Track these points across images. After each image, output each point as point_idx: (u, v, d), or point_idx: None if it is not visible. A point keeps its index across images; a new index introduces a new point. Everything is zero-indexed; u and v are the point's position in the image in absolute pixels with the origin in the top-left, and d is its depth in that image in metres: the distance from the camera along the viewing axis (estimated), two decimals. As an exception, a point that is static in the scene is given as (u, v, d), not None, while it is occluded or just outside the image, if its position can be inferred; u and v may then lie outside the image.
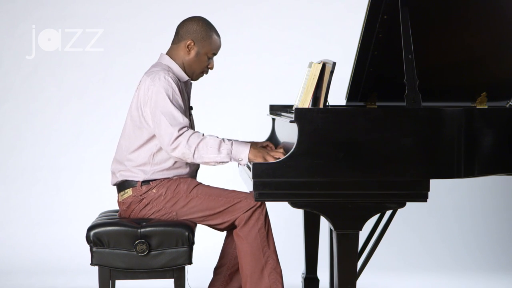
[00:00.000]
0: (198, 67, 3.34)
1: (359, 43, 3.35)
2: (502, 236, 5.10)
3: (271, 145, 3.37)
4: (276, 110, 3.85)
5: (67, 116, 5.21)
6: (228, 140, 3.14)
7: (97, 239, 3.11)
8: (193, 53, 3.31)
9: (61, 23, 5.17)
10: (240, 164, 3.20)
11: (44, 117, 5.21)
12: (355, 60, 3.44)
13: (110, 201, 3.62)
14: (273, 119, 3.84)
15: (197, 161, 3.13)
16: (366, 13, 3.23)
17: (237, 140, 3.18)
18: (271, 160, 3.09)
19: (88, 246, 3.14)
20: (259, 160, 3.11)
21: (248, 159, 3.13)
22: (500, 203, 5.17)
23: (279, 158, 3.03)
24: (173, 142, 3.10)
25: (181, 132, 3.11)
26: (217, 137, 3.14)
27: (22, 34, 5.17)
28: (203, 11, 5.03)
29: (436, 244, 5.07)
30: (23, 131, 5.21)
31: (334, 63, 3.11)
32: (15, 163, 5.19)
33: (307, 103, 3.22)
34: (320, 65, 3.23)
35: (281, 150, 3.18)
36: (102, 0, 5.21)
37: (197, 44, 3.30)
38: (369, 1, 3.20)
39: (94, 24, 5.18)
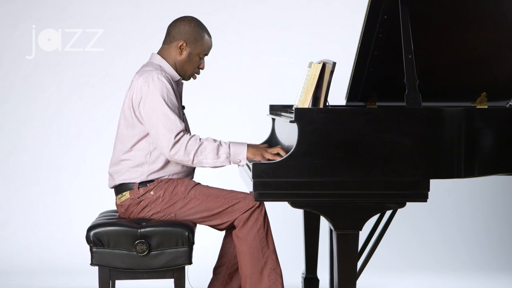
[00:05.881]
0: (190, 68, 3.34)
1: (359, 43, 3.35)
2: (502, 236, 5.10)
3: (267, 146, 3.36)
4: (276, 110, 3.85)
5: (67, 116, 5.21)
6: (225, 142, 3.18)
7: (97, 239, 3.11)
8: (185, 54, 3.31)
9: (61, 23, 5.17)
10: (239, 165, 3.23)
11: (44, 117, 5.20)
12: (355, 60, 3.44)
13: (110, 201, 3.62)
14: (273, 119, 3.84)
15: (196, 166, 3.19)
16: (366, 13, 3.23)
17: (233, 142, 3.20)
18: (269, 156, 3.14)
19: (88, 246, 3.14)
20: (258, 158, 3.16)
21: (247, 158, 3.17)
22: (500, 203, 5.16)
23: (277, 153, 3.12)
24: (171, 149, 3.13)
25: (177, 138, 3.13)
26: (214, 140, 3.17)
27: (22, 34, 5.17)
28: (203, 11, 5.05)
29: (436, 244, 5.07)
30: (23, 131, 5.20)
31: (334, 63, 3.11)
32: (15, 163, 5.19)
33: (307, 103, 3.22)
34: (320, 65, 3.23)
35: (279, 147, 3.22)
36: (102, 0, 5.21)
37: (189, 45, 3.31)
38: (369, 1, 3.20)
39: (94, 24, 5.18)
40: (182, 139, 3.14)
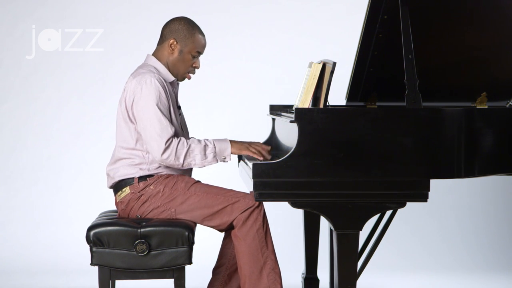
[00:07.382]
0: (183, 66, 3.34)
1: (359, 43, 3.35)
2: (502, 236, 5.10)
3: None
4: (276, 110, 3.85)
5: (67, 116, 5.21)
6: (209, 141, 3.23)
7: (97, 239, 3.11)
8: (176, 52, 3.31)
9: (61, 23, 5.17)
10: (225, 162, 3.29)
11: (44, 117, 5.20)
12: (355, 60, 3.44)
13: (110, 201, 3.62)
14: (273, 119, 3.84)
15: (185, 168, 3.23)
16: (366, 13, 3.23)
17: (216, 140, 3.26)
18: (254, 151, 3.24)
19: (88, 246, 3.14)
20: (244, 151, 3.25)
21: (232, 153, 3.25)
22: (500, 203, 5.16)
23: (261, 150, 3.24)
24: (163, 154, 3.16)
25: (168, 143, 3.16)
26: (199, 141, 3.21)
27: (22, 34, 5.17)
28: (203, 11, 5.06)
29: (436, 244, 5.07)
30: (23, 131, 5.20)
31: (334, 63, 3.11)
32: (15, 163, 5.19)
33: (307, 103, 3.22)
34: (320, 65, 3.23)
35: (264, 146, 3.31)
36: (102, 0, 5.21)
37: (179, 42, 3.30)
38: (369, 1, 3.20)
39: (94, 24, 5.18)
40: (172, 144, 3.17)
